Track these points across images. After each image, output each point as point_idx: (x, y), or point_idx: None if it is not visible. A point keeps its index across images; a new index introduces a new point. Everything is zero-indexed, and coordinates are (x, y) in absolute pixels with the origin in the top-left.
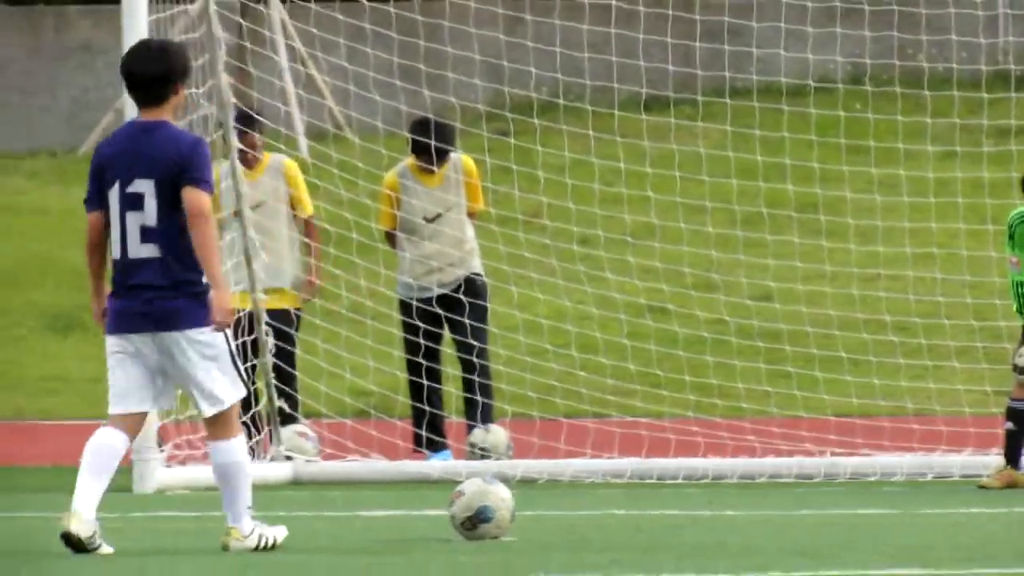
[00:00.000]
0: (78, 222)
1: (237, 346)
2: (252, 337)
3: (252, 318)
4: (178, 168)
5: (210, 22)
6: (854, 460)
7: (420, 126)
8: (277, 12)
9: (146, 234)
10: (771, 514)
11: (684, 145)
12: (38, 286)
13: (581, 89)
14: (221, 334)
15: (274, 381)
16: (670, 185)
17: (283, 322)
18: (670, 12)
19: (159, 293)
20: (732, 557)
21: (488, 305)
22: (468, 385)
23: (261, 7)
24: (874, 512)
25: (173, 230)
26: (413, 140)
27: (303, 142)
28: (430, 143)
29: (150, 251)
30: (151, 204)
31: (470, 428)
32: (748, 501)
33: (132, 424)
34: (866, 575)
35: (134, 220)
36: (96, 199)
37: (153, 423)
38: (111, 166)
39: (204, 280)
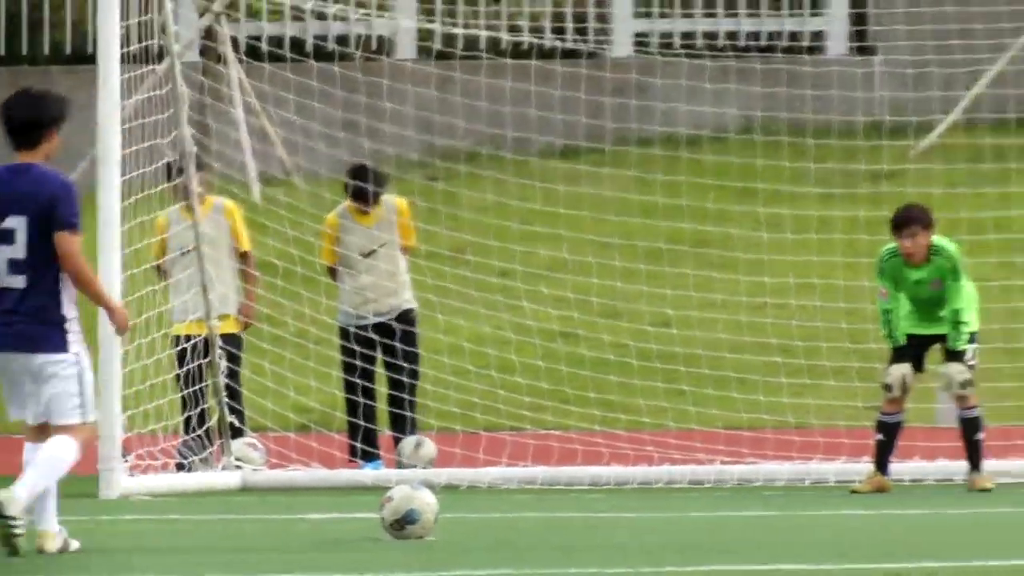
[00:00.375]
0: None
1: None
2: (207, 360)
3: (207, 343)
4: (49, 207)
5: (175, 80)
6: (740, 468)
7: (356, 172)
8: (235, 71)
9: (14, 266)
10: (667, 516)
11: (593, 189)
12: None
13: (502, 139)
14: (73, 358)
15: (225, 399)
16: (580, 224)
17: (232, 345)
18: (583, 71)
19: (22, 318)
20: (630, 555)
21: (418, 332)
22: (397, 402)
23: (220, 67)
24: (758, 514)
25: (40, 263)
26: (350, 184)
27: (256, 187)
28: (365, 186)
29: (18, 282)
30: (21, 239)
31: (397, 440)
32: (646, 504)
33: (40, 432)
34: (751, 570)
35: (5, 253)
36: None
37: (118, 436)
38: None
39: (64, 311)
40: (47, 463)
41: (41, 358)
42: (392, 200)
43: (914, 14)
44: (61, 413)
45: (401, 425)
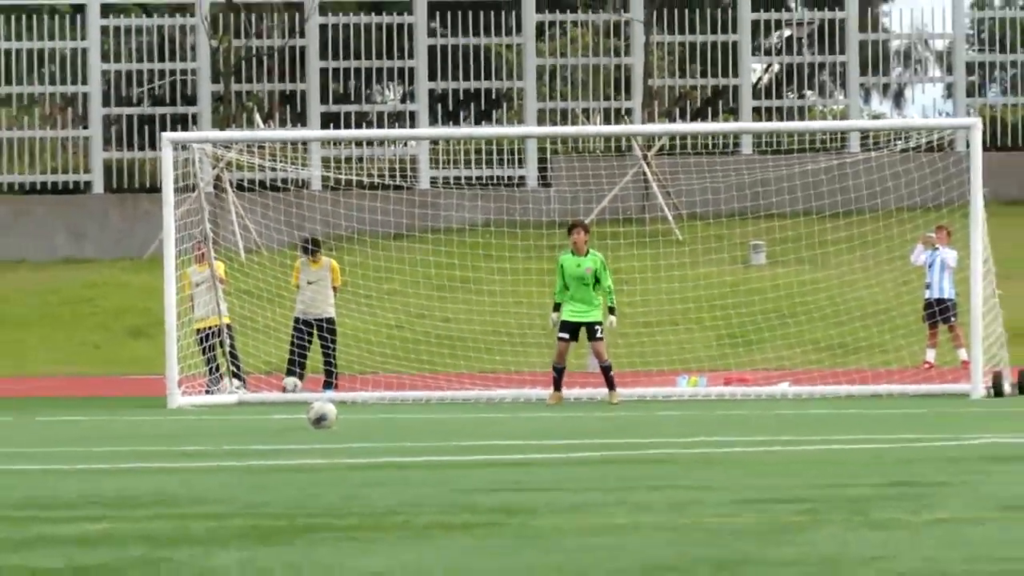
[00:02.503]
0: (135, 288)
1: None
2: (219, 338)
3: (219, 329)
4: None
5: (201, 201)
6: (489, 392)
7: (304, 243)
8: (231, 196)
9: None
10: (450, 416)
11: (409, 255)
12: (130, 320)
13: (365, 231)
14: None
15: (230, 358)
16: (405, 273)
17: (230, 329)
18: (404, 195)
19: None
20: (432, 434)
21: (335, 327)
22: (326, 363)
23: (223, 194)
24: (496, 416)
25: None
26: (302, 246)
27: (243, 254)
28: (308, 248)
29: None
30: None
31: (327, 384)
32: (439, 412)
33: None
34: (488, 444)
35: None
36: None
37: (176, 376)
38: None
39: None
40: None
41: None
42: (329, 260)
43: (571, 166)
44: None
45: (328, 374)
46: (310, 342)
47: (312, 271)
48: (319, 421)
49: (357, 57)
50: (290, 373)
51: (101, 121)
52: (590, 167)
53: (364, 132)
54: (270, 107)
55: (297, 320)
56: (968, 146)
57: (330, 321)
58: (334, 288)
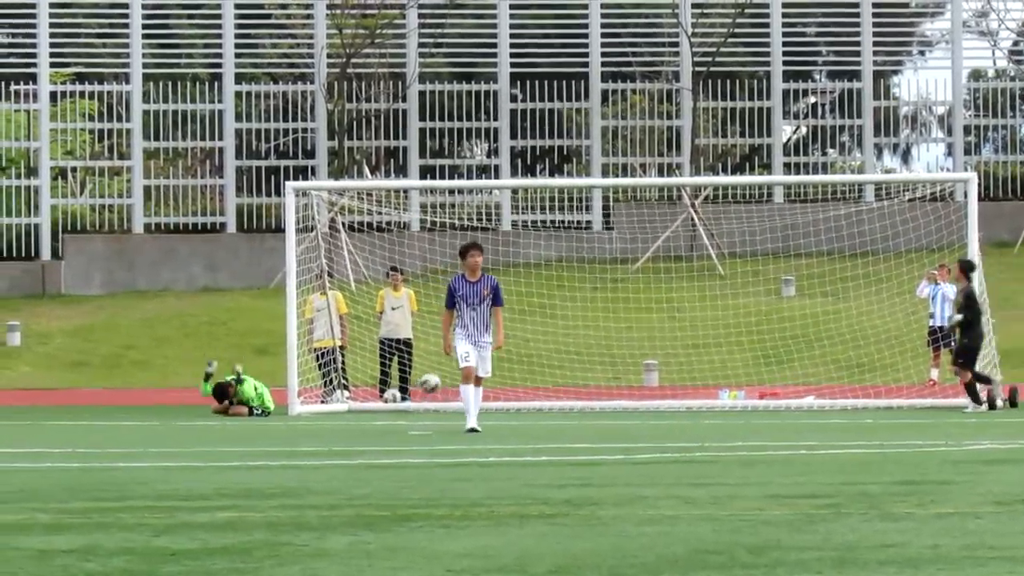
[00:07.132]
0: (261, 312)
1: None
2: (332, 356)
3: (332, 349)
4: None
5: (318, 239)
6: (540, 403)
7: (389, 272)
8: (343, 235)
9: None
10: (537, 423)
11: (505, 277)
12: (257, 340)
13: (455, 263)
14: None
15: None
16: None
17: (341, 351)
18: (490, 236)
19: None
20: (511, 437)
21: (412, 347)
22: (402, 378)
23: (336, 233)
24: (557, 423)
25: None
26: (389, 270)
27: (352, 284)
28: (394, 278)
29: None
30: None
31: (404, 389)
32: (524, 417)
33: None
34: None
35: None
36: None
37: (296, 388)
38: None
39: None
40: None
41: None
42: (408, 289)
43: (629, 212)
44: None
45: (404, 385)
46: (391, 359)
47: (395, 298)
48: (430, 388)
49: (450, 119)
50: (387, 387)
51: (234, 172)
52: (646, 213)
53: (456, 182)
54: (376, 160)
55: (382, 341)
56: (965, 196)
57: (408, 343)
58: (412, 313)
